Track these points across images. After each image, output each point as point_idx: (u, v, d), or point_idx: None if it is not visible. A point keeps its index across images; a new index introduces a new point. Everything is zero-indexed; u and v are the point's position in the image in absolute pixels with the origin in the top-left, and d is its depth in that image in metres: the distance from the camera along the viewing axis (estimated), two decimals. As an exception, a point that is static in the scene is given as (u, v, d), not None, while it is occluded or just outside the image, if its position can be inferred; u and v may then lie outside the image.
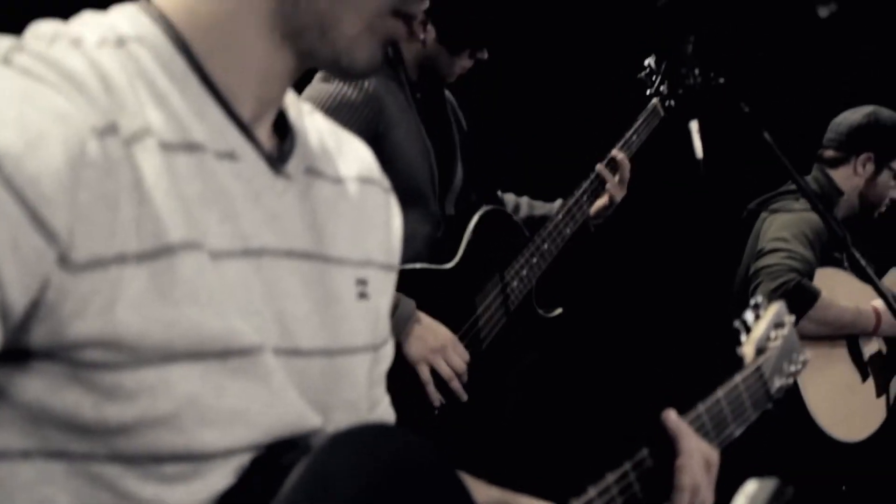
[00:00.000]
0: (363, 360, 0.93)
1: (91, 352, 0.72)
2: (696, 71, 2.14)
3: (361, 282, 0.94)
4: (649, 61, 2.66)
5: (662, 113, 2.60)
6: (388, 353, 1.01)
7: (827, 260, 2.96)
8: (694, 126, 2.18)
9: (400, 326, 2.04)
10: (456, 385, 2.16)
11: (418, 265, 2.21)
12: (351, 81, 2.08)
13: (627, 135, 2.55)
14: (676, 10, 2.29)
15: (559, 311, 2.51)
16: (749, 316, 1.47)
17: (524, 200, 2.64)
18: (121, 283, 0.73)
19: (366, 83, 2.09)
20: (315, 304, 0.87)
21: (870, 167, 3.05)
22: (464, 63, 2.29)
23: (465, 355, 2.18)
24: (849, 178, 3.07)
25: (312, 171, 0.92)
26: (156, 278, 0.74)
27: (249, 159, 0.84)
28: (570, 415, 3.42)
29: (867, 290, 2.98)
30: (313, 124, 0.96)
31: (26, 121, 0.69)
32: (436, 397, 2.14)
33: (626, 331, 3.64)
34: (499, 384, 2.31)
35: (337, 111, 2.04)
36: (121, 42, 0.80)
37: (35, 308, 0.71)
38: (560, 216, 2.44)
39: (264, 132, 0.88)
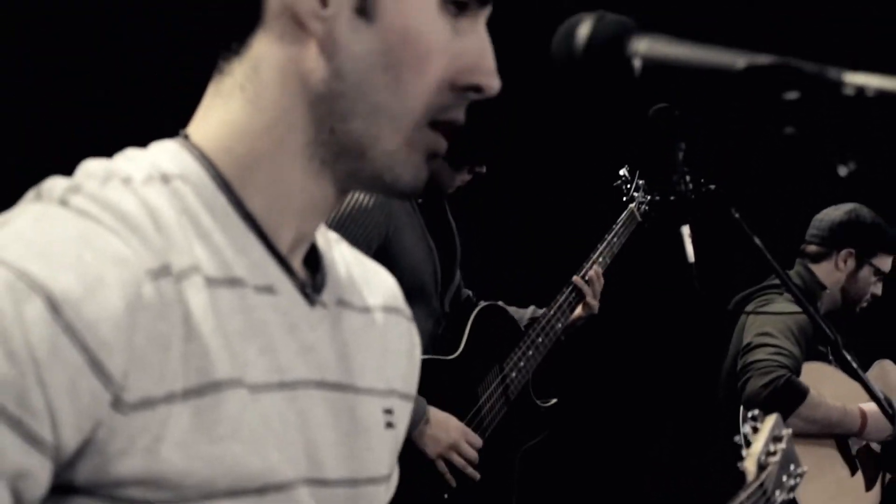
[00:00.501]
0: (385, 488, 0.94)
1: (133, 489, 0.72)
2: (687, 178, 2.27)
3: (388, 411, 0.94)
4: (624, 171, 2.88)
5: (639, 218, 2.81)
6: (396, 475, 1.01)
7: (812, 354, 3.04)
8: (685, 231, 2.31)
9: (413, 426, 2.13)
10: (470, 472, 2.26)
11: (424, 356, 2.30)
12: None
13: (608, 237, 2.75)
14: (666, 119, 2.45)
15: (554, 401, 2.60)
16: (748, 429, 1.54)
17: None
18: (168, 422, 0.74)
19: None
20: (344, 434, 0.88)
21: (851, 263, 3.14)
22: (463, 177, 2.45)
23: (478, 442, 2.28)
24: (831, 273, 3.16)
25: (342, 303, 0.92)
26: (200, 415, 0.75)
27: (286, 292, 0.85)
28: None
29: (854, 385, 3.07)
30: (340, 254, 0.97)
31: (85, 264, 0.71)
32: (451, 482, 2.22)
33: (621, 426, 3.70)
34: (504, 468, 2.39)
35: (352, 216, 2.16)
36: (165, 179, 0.80)
37: (85, 446, 0.71)
38: (552, 311, 2.57)
39: (298, 262, 0.88)
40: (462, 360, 2.40)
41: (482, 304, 2.53)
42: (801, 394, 2.83)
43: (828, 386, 2.99)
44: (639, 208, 2.83)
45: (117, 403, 0.72)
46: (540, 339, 2.53)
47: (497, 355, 2.48)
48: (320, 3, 0.82)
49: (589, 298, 2.60)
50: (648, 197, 2.84)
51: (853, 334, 3.24)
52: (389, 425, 0.94)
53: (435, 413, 2.22)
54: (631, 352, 3.76)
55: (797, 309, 3.07)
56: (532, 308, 2.68)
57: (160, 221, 0.77)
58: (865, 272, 3.15)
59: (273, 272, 0.84)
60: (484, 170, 2.46)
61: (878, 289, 3.19)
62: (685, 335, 3.54)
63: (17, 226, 0.73)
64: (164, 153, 0.83)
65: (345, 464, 0.87)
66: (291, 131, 0.84)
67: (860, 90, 0.74)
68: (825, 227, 3.18)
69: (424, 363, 2.26)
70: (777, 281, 3.20)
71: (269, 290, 0.83)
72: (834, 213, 3.19)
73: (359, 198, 2.21)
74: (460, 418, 2.32)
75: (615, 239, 2.76)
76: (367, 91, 0.83)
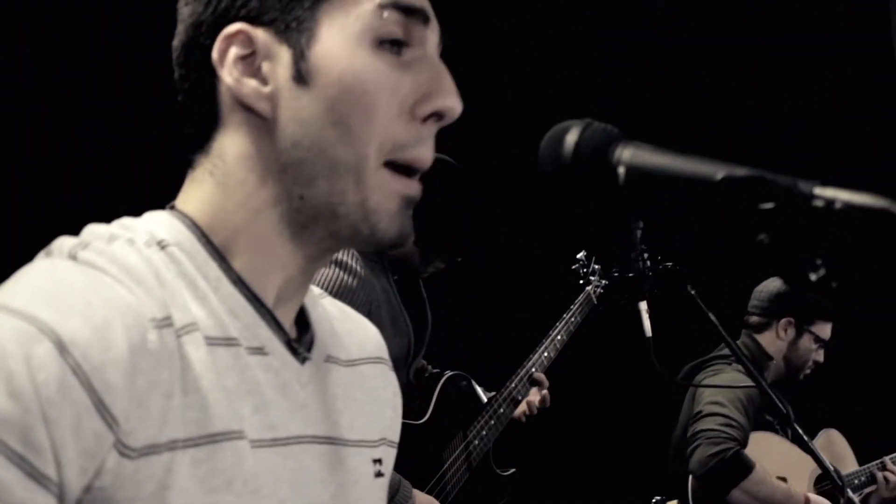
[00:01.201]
0: None
1: None
2: (645, 256, 2.35)
3: (377, 461, 0.99)
4: (581, 255, 3.02)
5: (595, 301, 2.99)
6: None
7: (759, 423, 3.10)
8: (643, 306, 2.39)
9: None
10: None
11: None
12: (345, 268, 2.23)
13: (565, 317, 2.89)
14: (624, 202, 2.53)
15: (513, 471, 2.65)
16: None
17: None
18: (172, 469, 0.76)
19: (358, 269, 2.26)
20: (337, 486, 0.91)
21: (791, 331, 3.25)
22: (437, 265, 2.52)
23: None
24: (773, 342, 3.25)
25: (330, 358, 0.96)
26: (199, 466, 0.78)
27: (277, 352, 0.88)
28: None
29: (800, 454, 3.14)
30: (325, 310, 1.01)
31: (92, 310, 0.74)
32: None
33: (577, 495, 3.73)
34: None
35: (338, 295, 2.19)
36: (162, 245, 0.85)
37: (90, 492, 0.73)
38: (513, 384, 2.65)
39: (289, 321, 0.92)
40: (429, 425, 2.47)
41: (448, 373, 2.60)
42: (747, 468, 2.88)
43: (775, 455, 3.06)
44: (594, 291, 2.99)
45: (122, 447, 0.74)
46: (501, 410, 2.61)
47: (461, 423, 2.55)
48: (260, 83, 0.87)
49: (531, 408, 2.67)
50: (604, 281, 3.03)
51: (798, 402, 3.33)
52: (379, 474, 0.99)
53: (419, 496, 2.26)
54: (588, 422, 3.81)
55: (747, 380, 3.15)
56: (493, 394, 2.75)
57: (162, 278, 0.82)
58: (806, 340, 3.24)
59: (264, 334, 0.88)
60: (458, 260, 2.53)
61: (819, 356, 3.28)
62: (642, 406, 3.60)
63: (29, 278, 0.77)
64: (159, 222, 0.88)
65: None
66: (264, 205, 0.88)
67: (829, 203, 0.80)
68: (765, 297, 3.28)
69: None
70: (726, 351, 3.28)
71: (260, 350, 0.87)
72: (772, 284, 3.29)
73: (343, 278, 2.26)
74: (426, 481, 2.37)
75: (572, 318, 2.91)
76: (323, 149, 0.86)
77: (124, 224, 0.88)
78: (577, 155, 0.87)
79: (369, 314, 2.26)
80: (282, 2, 0.87)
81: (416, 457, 2.36)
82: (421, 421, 2.47)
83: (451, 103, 0.89)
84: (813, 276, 0.82)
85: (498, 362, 2.84)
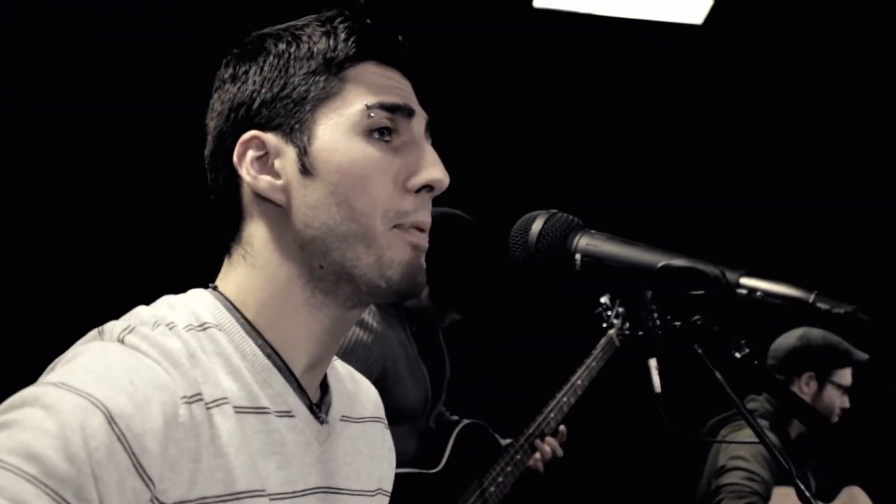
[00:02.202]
0: None
1: None
2: (655, 314, 2.45)
3: None
4: (605, 298, 3.05)
5: (617, 344, 2.99)
6: None
7: (782, 478, 3.13)
8: (653, 363, 2.46)
9: None
10: None
11: (408, 469, 2.45)
12: (361, 325, 2.35)
13: (587, 361, 2.92)
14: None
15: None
16: None
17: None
18: None
19: (374, 324, 2.39)
20: None
21: (813, 385, 3.26)
22: (452, 316, 2.62)
23: None
24: None
25: (343, 418, 1.11)
26: None
27: (302, 415, 1.03)
28: None
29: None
30: (338, 373, 1.15)
31: (135, 388, 0.88)
32: None
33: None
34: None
35: (353, 350, 2.34)
36: (203, 327, 1.00)
37: None
38: (531, 430, 2.70)
39: (314, 385, 1.07)
40: (444, 473, 2.55)
41: (465, 421, 2.68)
42: None
43: (794, 512, 3.07)
44: (617, 335, 3.00)
45: (158, 503, 0.88)
46: (519, 457, 2.68)
47: (477, 470, 2.63)
48: (274, 178, 1.03)
49: (543, 454, 2.72)
50: (627, 324, 3.03)
51: (827, 456, 3.35)
52: None
53: None
54: (607, 472, 3.86)
55: (770, 435, 3.20)
56: (511, 441, 2.82)
57: (196, 359, 0.96)
58: (829, 390, 3.27)
59: (291, 400, 1.02)
60: (474, 311, 2.63)
61: (845, 402, 3.29)
62: (662, 460, 3.66)
63: (85, 359, 0.91)
64: (202, 303, 1.03)
65: None
66: (288, 279, 1.03)
67: (751, 291, 0.92)
68: (781, 355, 3.30)
69: (408, 476, 2.44)
70: (751, 406, 3.34)
71: (288, 413, 1.02)
72: (786, 341, 3.32)
73: (359, 334, 2.38)
74: (440, 528, 2.45)
75: (594, 363, 2.92)
76: (331, 227, 1.01)
77: (169, 303, 1.02)
78: (540, 244, 0.99)
79: (384, 370, 2.39)
80: (286, 109, 1.03)
81: (430, 503, 2.45)
82: (435, 469, 2.55)
83: (438, 175, 1.03)
84: (738, 355, 0.94)
85: (518, 408, 2.92)
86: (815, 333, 3.30)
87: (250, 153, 1.03)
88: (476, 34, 3.82)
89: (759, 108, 4.21)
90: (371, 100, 1.02)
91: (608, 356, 2.97)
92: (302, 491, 1.01)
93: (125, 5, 3.02)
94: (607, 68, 4.04)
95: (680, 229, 4.13)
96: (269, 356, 1.02)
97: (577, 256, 0.98)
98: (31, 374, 0.93)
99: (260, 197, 1.03)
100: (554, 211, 1.02)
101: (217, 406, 0.95)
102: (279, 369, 1.02)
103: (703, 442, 3.24)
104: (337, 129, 1.02)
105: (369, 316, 2.44)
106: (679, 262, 0.94)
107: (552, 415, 2.77)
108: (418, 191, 1.03)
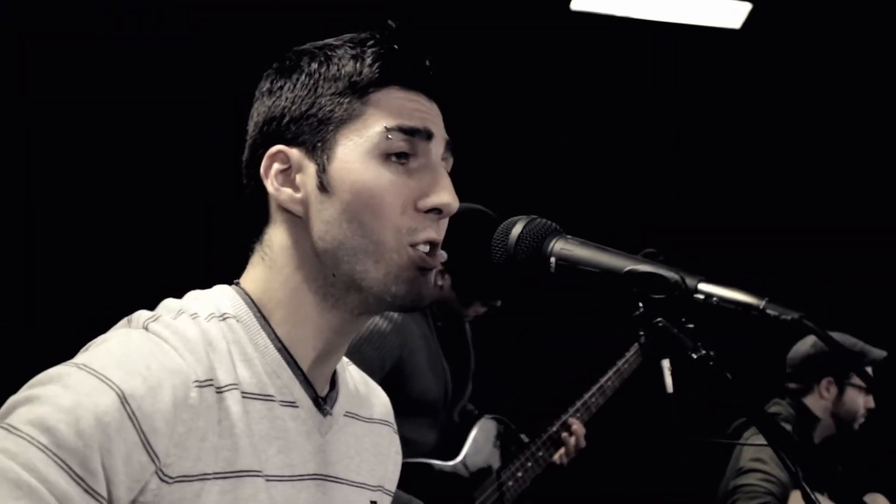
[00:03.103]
0: None
1: None
2: (668, 315, 2.49)
3: (373, 502, 1.21)
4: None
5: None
6: None
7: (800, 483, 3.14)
8: (665, 364, 2.49)
9: None
10: None
11: (424, 460, 2.53)
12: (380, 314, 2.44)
13: (619, 363, 2.95)
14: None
15: (554, 511, 2.78)
16: None
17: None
18: (201, 494, 0.99)
19: (395, 315, 2.47)
20: None
21: (833, 390, 3.25)
22: (476, 309, 2.67)
23: None
24: (817, 402, 3.25)
25: (349, 414, 1.19)
26: (224, 494, 1.01)
27: (306, 406, 1.11)
28: None
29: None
30: (350, 375, 1.24)
31: (150, 372, 0.98)
32: None
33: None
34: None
35: (369, 339, 2.42)
36: (223, 317, 1.09)
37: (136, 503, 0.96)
38: (555, 428, 2.75)
39: (323, 379, 1.14)
40: (461, 466, 2.62)
41: (486, 416, 2.74)
42: None
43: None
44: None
45: (162, 475, 0.97)
46: (541, 454, 2.73)
47: (496, 465, 2.69)
48: (294, 191, 1.11)
49: (568, 448, 2.77)
50: (676, 327, 3.03)
51: (857, 456, 3.35)
52: None
53: None
54: (629, 471, 3.91)
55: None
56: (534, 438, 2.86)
57: (213, 346, 1.05)
58: (850, 393, 3.25)
59: (297, 391, 1.11)
60: (498, 303, 2.69)
61: (869, 402, 3.27)
62: (667, 462, 3.69)
63: (109, 344, 1.02)
64: (224, 297, 1.12)
65: None
66: (301, 284, 1.12)
67: (707, 296, 0.98)
68: (798, 362, 3.30)
69: (425, 467, 2.52)
70: (774, 409, 3.36)
71: (292, 404, 1.10)
72: (802, 348, 3.31)
73: (378, 323, 2.46)
74: (455, 520, 2.52)
75: (625, 365, 2.95)
76: (343, 241, 1.08)
77: (195, 296, 1.12)
78: (518, 248, 1.06)
79: (401, 359, 2.47)
80: (311, 127, 1.10)
81: (444, 498, 2.50)
82: (452, 462, 2.62)
83: (447, 200, 1.11)
84: (694, 356, 1.00)
85: (544, 405, 2.97)
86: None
87: (276, 166, 1.11)
88: (514, 36, 3.89)
89: (796, 111, 4.22)
90: (390, 123, 1.08)
91: (640, 360, 2.98)
92: (300, 476, 1.09)
93: (125, 5, 3.12)
94: (640, 71, 4.08)
95: (712, 230, 4.16)
96: (279, 350, 1.10)
97: (552, 260, 1.05)
98: (31, 372, 1.02)
99: (282, 208, 1.12)
100: (534, 216, 1.09)
101: (228, 391, 1.04)
102: (288, 362, 1.10)
103: (713, 444, 3.26)
104: (355, 151, 1.09)
105: None
106: (643, 267, 1.00)
107: (578, 414, 2.81)
108: (428, 212, 1.10)
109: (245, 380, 1.07)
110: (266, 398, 1.08)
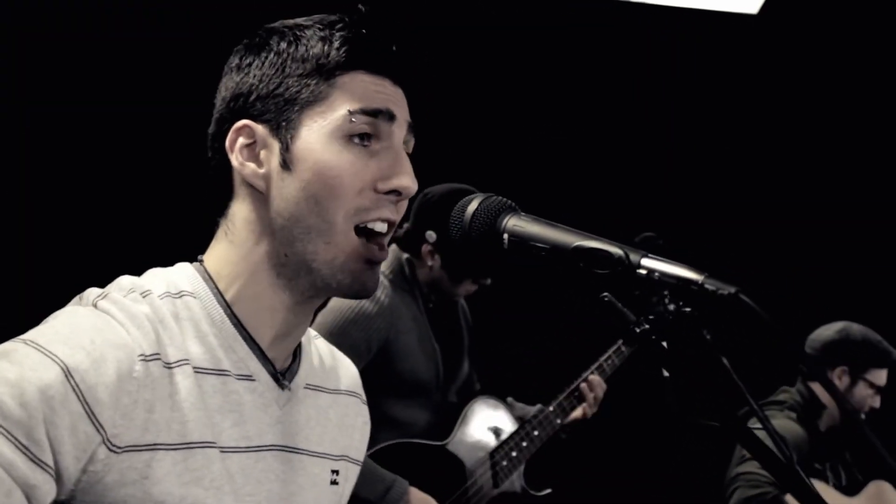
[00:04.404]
0: None
1: None
2: (667, 300, 2.49)
3: (335, 472, 1.24)
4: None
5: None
6: None
7: (807, 471, 3.15)
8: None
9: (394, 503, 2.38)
10: None
11: (415, 440, 2.56)
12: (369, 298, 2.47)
13: (620, 342, 2.92)
14: (648, 245, 2.67)
15: (548, 491, 2.80)
16: None
17: (508, 399, 2.97)
18: (151, 464, 1.03)
19: (382, 297, 2.50)
20: (298, 487, 1.17)
21: (846, 379, 3.27)
22: (467, 287, 2.69)
23: None
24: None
25: (311, 386, 1.22)
26: (176, 465, 1.04)
27: (263, 379, 1.14)
28: None
29: (848, 502, 3.19)
30: (316, 348, 1.27)
31: (95, 347, 1.01)
32: None
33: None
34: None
35: (355, 321, 2.45)
36: (180, 295, 1.12)
37: (86, 474, 1.00)
38: (552, 408, 2.77)
39: (284, 353, 1.17)
40: (453, 446, 2.64)
41: (479, 396, 2.76)
42: None
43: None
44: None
45: (110, 445, 1.01)
46: (536, 433, 2.74)
47: (489, 444, 2.71)
48: (258, 166, 1.14)
49: (588, 404, 2.78)
50: (673, 309, 3.02)
51: (858, 450, 3.34)
52: (334, 482, 1.24)
53: (416, 494, 2.44)
54: (630, 450, 3.91)
55: (798, 426, 3.22)
56: (538, 406, 2.87)
57: (163, 323, 1.09)
58: (861, 388, 3.27)
59: (253, 365, 1.14)
60: (489, 281, 2.71)
61: (876, 402, 3.29)
62: (688, 441, 3.69)
63: (57, 321, 1.06)
64: (183, 274, 1.16)
65: None
66: (260, 260, 1.15)
67: (650, 272, 1.00)
68: (818, 346, 3.32)
69: (416, 447, 2.54)
70: (781, 397, 3.36)
71: (249, 377, 1.14)
72: (825, 333, 3.33)
73: (364, 305, 2.50)
74: (445, 498, 2.53)
75: (623, 347, 2.92)
76: (299, 219, 1.11)
77: (153, 273, 1.15)
78: (473, 224, 1.08)
79: (388, 341, 2.50)
80: (277, 106, 1.13)
81: (435, 477, 2.53)
82: (443, 442, 2.65)
83: (405, 183, 1.13)
84: (637, 330, 1.02)
85: (548, 385, 2.98)
86: (855, 328, 3.30)
87: (241, 140, 1.14)
88: (520, 22, 3.89)
89: (813, 100, 4.18)
90: (354, 106, 1.11)
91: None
92: (257, 447, 1.13)
93: (124, 5, 3.16)
94: (652, 58, 4.06)
95: (726, 223, 4.14)
96: (235, 325, 1.13)
97: (505, 236, 1.07)
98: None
99: (245, 182, 1.15)
100: (490, 194, 1.10)
101: (178, 366, 1.07)
102: (244, 338, 1.14)
103: (706, 427, 3.26)
104: (319, 132, 1.12)
105: (379, 289, 2.54)
106: (590, 243, 1.02)
107: (574, 395, 2.80)
108: (387, 193, 1.13)
109: (197, 355, 1.10)
110: (220, 373, 1.11)
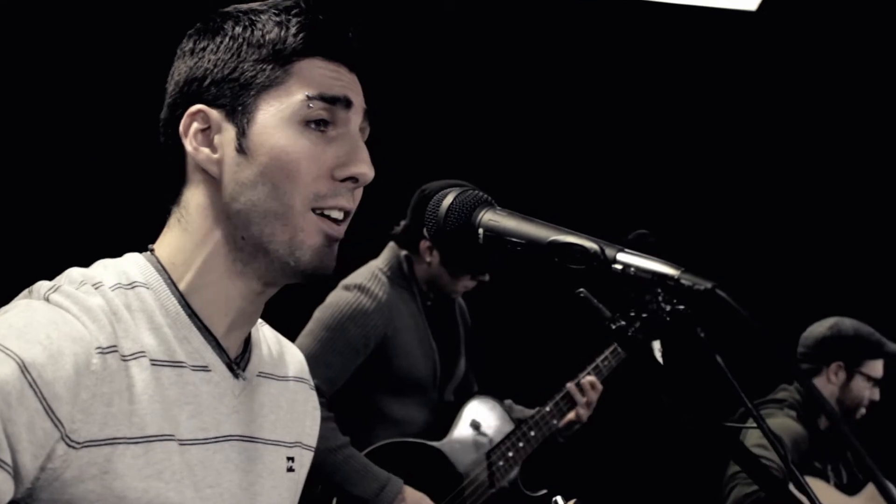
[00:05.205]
0: None
1: None
2: (660, 297, 2.47)
3: (290, 458, 1.23)
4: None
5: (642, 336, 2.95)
6: None
7: (807, 469, 3.13)
8: (656, 345, 2.47)
9: (387, 502, 2.36)
10: None
11: (411, 439, 2.54)
12: (366, 292, 2.45)
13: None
14: (641, 242, 2.65)
15: (544, 491, 2.78)
16: None
17: (507, 402, 2.95)
18: (111, 458, 1.01)
19: (380, 293, 2.48)
20: (257, 476, 1.16)
21: (842, 375, 3.26)
22: (465, 283, 2.67)
23: None
24: (825, 386, 3.26)
25: (262, 374, 1.20)
26: (137, 458, 1.03)
27: (218, 369, 1.13)
28: None
29: (847, 500, 3.16)
30: (264, 336, 1.25)
31: (51, 341, 0.99)
32: None
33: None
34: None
35: (352, 317, 2.44)
36: (132, 286, 1.10)
37: (44, 471, 0.98)
38: (548, 408, 2.75)
39: (236, 342, 1.16)
40: (449, 445, 2.63)
41: (476, 396, 2.75)
42: None
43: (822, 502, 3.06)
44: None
45: (68, 440, 0.99)
46: (532, 434, 2.73)
47: (486, 444, 2.69)
48: (212, 151, 1.13)
49: (579, 407, 2.77)
50: (668, 308, 3.00)
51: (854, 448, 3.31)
52: (290, 469, 1.23)
53: (411, 493, 2.43)
54: (627, 449, 3.89)
55: (797, 425, 3.20)
56: (537, 408, 2.86)
57: (117, 315, 1.07)
58: (858, 381, 3.26)
59: (208, 355, 1.13)
60: (486, 277, 2.69)
61: (874, 394, 3.28)
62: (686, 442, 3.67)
63: (9, 315, 1.04)
64: (135, 265, 1.14)
65: (256, 499, 1.16)
66: (216, 246, 1.13)
67: (625, 267, 0.98)
68: (811, 343, 3.31)
69: (413, 446, 2.53)
70: (780, 395, 3.33)
71: (205, 368, 1.12)
72: (817, 330, 3.32)
73: (362, 301, 2.48)
74: (441, 498, 2.52)
75: (619, 350, 2.90)
76: (255, 203, 1.11)
77: (103, 265, 1.13)
78: (448, 218, 1.06)
79: (385, 337, 2.48)
80: (233, 91, 1.12)
81: (431, 476, 2.52)
82: (440, 442, 2.63)
83: (363, 170, 1.13)
84: (613, 326, 1.00)
85: (546, 387, 2.96)
86: (847, 323, 3.29)
87: (195, 125, 1.13)
88: (524, 18, 3.87)
89: (813, 97, 4.16)
90: (311, 92, 1.11)
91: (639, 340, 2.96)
92: (215, 438, 1.12)
93: None
94: (651, 55, 4.04)
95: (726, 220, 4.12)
96: (189, 315, 1.12)
97: (480, 231, 1.05)
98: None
99: (198, 168, 1.14)
100: (467, 188, 1.08)
101: (135, 358, 1.06)
102: (198, 328, 1.12)
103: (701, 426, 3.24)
104: (276, 117, 1.11)
105: (376, 285, 2.52)
106: (565, 237, 1.00)
107: (567, 396, 2.80)
108: (343, 181, 1.12)
109: (153, 347, 1.08)
110: (176, 364, 1.09)
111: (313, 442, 1.31)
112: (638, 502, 3.85)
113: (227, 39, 1.13)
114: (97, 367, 1.02)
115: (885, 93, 4.13)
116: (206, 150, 1.13)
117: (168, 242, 1.16)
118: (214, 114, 1.13)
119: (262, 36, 1.12)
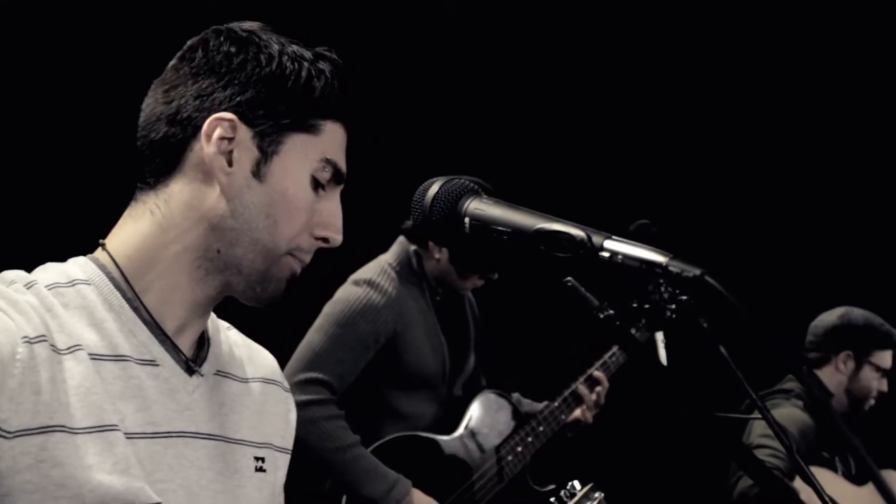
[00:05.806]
0: None
1: (23, 499, 1.01)
2: (662, 288, 2.45)
3: (259, 458, 1.22)
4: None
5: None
6: None
7: (814, 459, 3.11)
8: (660, 336, 2.46)
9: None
10: None
11: (421, 433, 2.54)
12: (376, 287, 2.45)
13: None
14: (644, 233, 2.63)
15: (552, 487, 2.77)
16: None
17: (515, 396, 2.94)
18: (46, 447, 1.02)
19: (390, 289, 2.48)
20: (217, 474, 1.16)
21: (851, 364, 3.24)
22: (474, 281, 2.67)
23: None
24: (833, 376, 3.25)
25: (221, 373, 1.21)
26: (77, 448, 1.03)
27: (167, 364, 1.14)
28: None
29: (856, 490, 3.14)
30: (227, 338, 1.26)
31: None
32: None
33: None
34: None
35: (363, 313, 2.44)
36: (72, 283, 1.11)
37: None
38: (557, 403, 2.74)
39: (188, 341, 1.17)
40: (458, 440, 2.62)
41: (485, 391, 2.74)
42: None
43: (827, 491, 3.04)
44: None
45: (1, 431, 0.99)
46: (542, 428, 2.72)
47: (495, 438, 2.69)
48: (227, 164, 1.15)
49: (586, 407, 2.75)
50: (674, 304, 2.97)
51: (868, 436, 3.30)
52: (260, 469, 1.23)
53: (419, 496, 2.43)
54: (635, 442, 3.88)
55: (804, 415, 3.18)
56: (546, 403, 2.85)
57: (52, 312, 1.07)
58: (867, 372, 3.24)
59: (156, 350, 1.13)
60: (496, 276, 2.68)
61: (883, 385, 3.26)
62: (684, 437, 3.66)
63: None
64: (76, 265, 1.15)
65: (219, 497, 1.16)
66: (186, 249, 1.15)
67: (613, 254, 0.97)
68: (820, 332, 3.30)
69: (422, 441, 2.52)
70: (787, 385, 3.32)
71: (152, 363, 1.13)
72: (827, 319, 3.31)
73: (372, 297, 2.47)
74: (450, 492, 2.52)
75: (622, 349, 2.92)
76: (251, 229, 1.15)
77: (44, 267, 1.15)
78: (434, 207, 1.05)
79: (395, 333, 2.48)
80: (270, 118, 1.15)
81: (441, 471, 2.52)
82: (450, 436, 2.62)
83: (338, 237, 1.21)
84: (601, 315, 0.98)
85: (557, 379, 2.94)
86: (856, 313, 3.28)
87: (219, 130, 1.14)
88: (521, 13, 3.86)
89: (810, 92, 4.13)
90: (331, 156, 1.18)
91: (647, 336, 2.87)
92: (166, 433, 1.12)
93: None
94: (642, 44, 4.02)
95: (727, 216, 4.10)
96: (136, 309, 1.13)
97: (466, 220, 1.04)
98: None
99: (204, 168, 1.14)
100: (452, 176, 1.07)
101: (70, 352, 1.06)
102: (146, 322, 1.13)
103: (705, 417, 3.22)
104: (298, 162, 1.16)
105: (385, 280, 2.52)
106: (552, 225, 0.98)
107: (573, 396, 2.79)
108: (318, 238, 1.20)
109: (93, 342, 1.09)
110: (118, 358, 1.10)
111: (288, 444, 1.31)
112: (649, 495, 3.84)
113: (277, 69, 1.16)
114: (23, 355, 1.02)
115: (884, 85, 4.10)
116: (221, 159, 1.14)
117: (129, 234, 1.16)
118: (244, 130, 1.15)
119: (313, 82, 1.16)
